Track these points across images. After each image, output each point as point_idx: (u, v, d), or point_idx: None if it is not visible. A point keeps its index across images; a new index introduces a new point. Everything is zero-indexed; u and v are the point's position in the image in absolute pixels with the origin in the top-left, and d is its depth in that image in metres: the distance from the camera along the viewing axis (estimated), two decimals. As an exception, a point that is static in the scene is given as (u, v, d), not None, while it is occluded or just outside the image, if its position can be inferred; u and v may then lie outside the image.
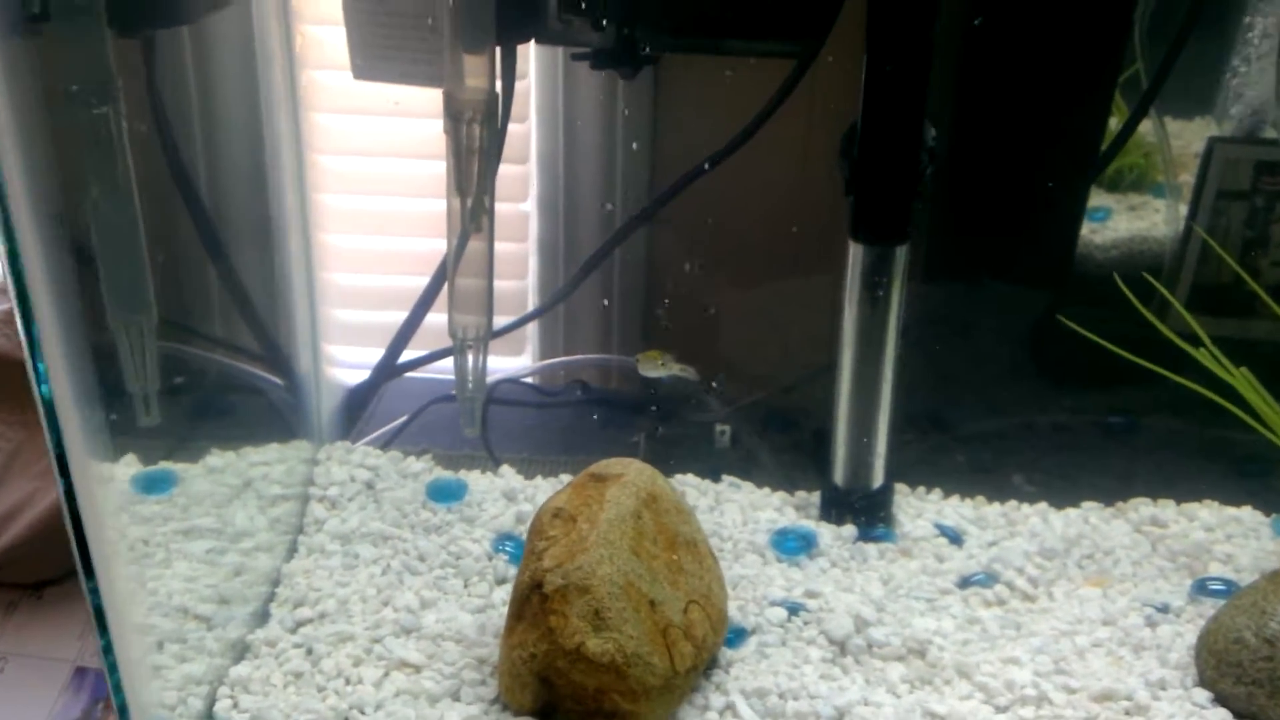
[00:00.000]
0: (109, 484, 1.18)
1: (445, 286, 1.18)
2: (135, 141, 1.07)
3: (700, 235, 1.45)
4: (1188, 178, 1.53)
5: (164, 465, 1.24)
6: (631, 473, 1.03)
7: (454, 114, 1.09)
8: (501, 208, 1.55)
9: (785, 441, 1.42)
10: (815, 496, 1.30)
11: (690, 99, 1.38)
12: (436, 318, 1.36)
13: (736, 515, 1.27)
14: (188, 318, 1.27)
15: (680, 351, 1.46)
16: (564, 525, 1.00)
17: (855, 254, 1.15)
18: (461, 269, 1.17)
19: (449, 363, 1.27)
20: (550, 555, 0.98)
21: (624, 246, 1.49)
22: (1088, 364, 1.41)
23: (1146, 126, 1.43)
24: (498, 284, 1.59)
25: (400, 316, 1.38)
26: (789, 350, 1.43)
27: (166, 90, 1.20)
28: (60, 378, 0.79)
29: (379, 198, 1.53)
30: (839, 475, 1.26)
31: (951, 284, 1.41)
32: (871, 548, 1.22)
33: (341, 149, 1.49)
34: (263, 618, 1.12)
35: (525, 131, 1.51)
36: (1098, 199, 1.52)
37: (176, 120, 1.22)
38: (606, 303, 1.56)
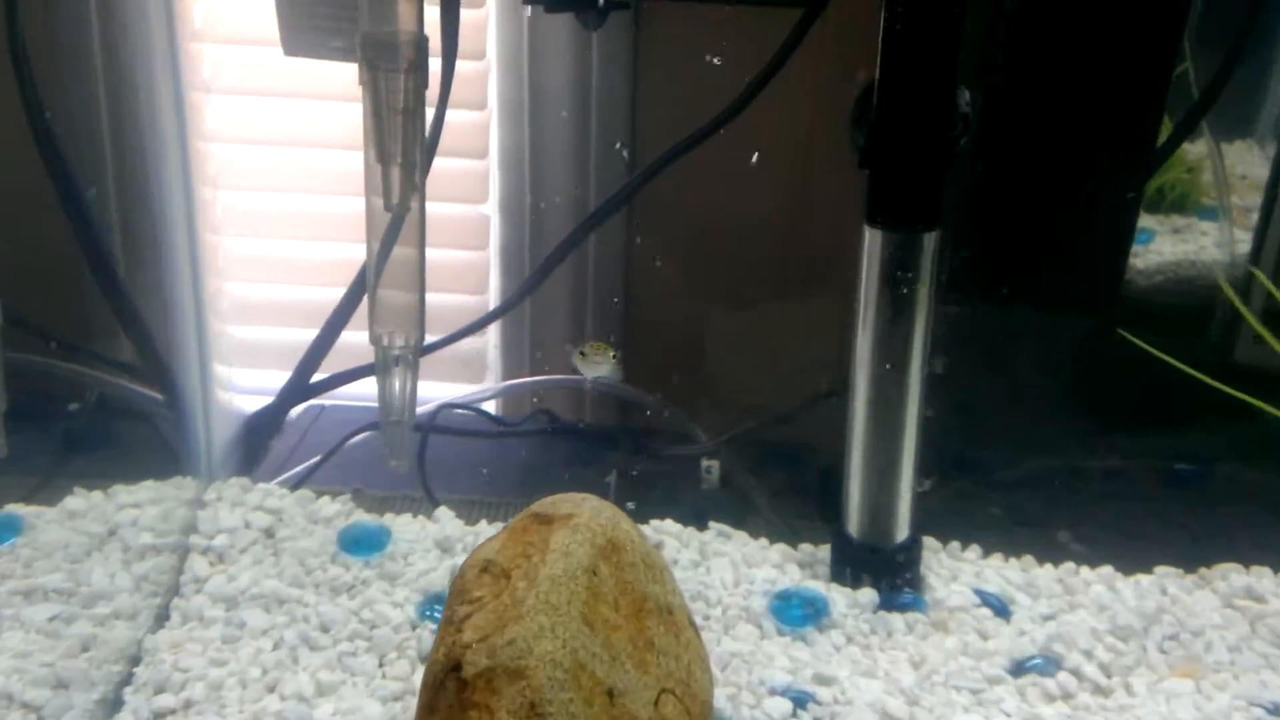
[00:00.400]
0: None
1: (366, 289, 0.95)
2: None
3: (685, 237, 1.23)
4: (1237, 200, 1.35)
5: (10, 509, 1.00)
6: (585, 513, 0.78)
7: (371, 61, 0.87)
8: (459, 210, 1.36)
9: (785, 481, 1.19)
10: (824, 551, 1.07)
11: (677, 68, 1.17)
12: (357, 335, 1.13)
13: (727, 573, 1.03)
14: (48, 323, 1.04)
15: (665, 377, 1.25)
16: (494, 583, 0.75)
17: (873, 243, 0.92)
18: (385, 261, 0.94)
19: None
20: (473, 625, 0.73)
21: (599, 263, 1.28)
22: (1143, 399, 1.20)
23: (1188, 146, 1.26)
24: (454, 299, 1.37)
25: (313, 335, 1.15)
26: (788, 373, 1.21)
27: (35, 51, 0.99)
28: None
29: (286, 195, 1.31)
30: (854, 525, 1.02)
31: (977, 304, 1.20)
32: (897, 619, 0.98)
33: (239, 137, 1.28)
34: (112, 706, 0.88)
35: (484, 121, 1.30)
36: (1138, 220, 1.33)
37: (46, 85, 1.01)
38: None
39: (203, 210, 1.09)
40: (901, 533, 1.02)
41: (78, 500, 1.03)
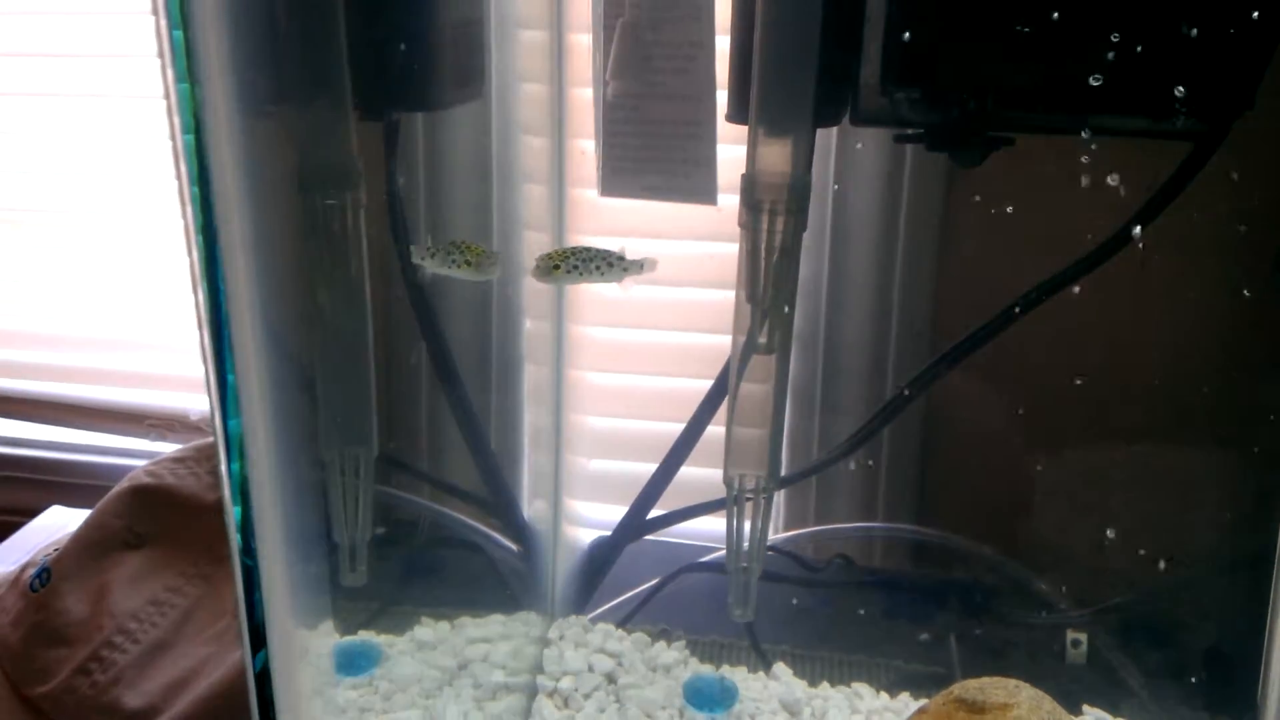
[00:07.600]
0: (311, 660, 0.96)
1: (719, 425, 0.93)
2: (371, 244, 0.91)
3: (1004, 371, 1.14)
4: None
5: (366, 637, 1.01)
6: (1024, 705, 0.70)
7: (753, 203, 0.87)
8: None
9: (1158, 662, 1.04)
10: (1224, 749, 0.91)
11: (994, 202, 1.11)
12: (688, 471, 1.11)
13: (1117, 769, 0.90)
14: (402, 455, 1.07)
15: (978, 533, 1.14)
16: (923, 780, 0.67)
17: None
18: (746, 397, 0.92)
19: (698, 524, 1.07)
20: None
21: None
22: None
23: None
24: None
25: (648, 468, 1.13)
26: (1147, 537, 1.07)
27: (404, 187, 1.05)
28: (270, 522, 0.58)
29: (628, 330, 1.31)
30: (1275, 721, 0.88)
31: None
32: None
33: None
34: None
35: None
36: None
37: (414, 219, 1.06)
38: (871, 462, 1.27)
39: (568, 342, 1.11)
40: (1338, 735, 0.87)
41: (426, 630, 1.03)
